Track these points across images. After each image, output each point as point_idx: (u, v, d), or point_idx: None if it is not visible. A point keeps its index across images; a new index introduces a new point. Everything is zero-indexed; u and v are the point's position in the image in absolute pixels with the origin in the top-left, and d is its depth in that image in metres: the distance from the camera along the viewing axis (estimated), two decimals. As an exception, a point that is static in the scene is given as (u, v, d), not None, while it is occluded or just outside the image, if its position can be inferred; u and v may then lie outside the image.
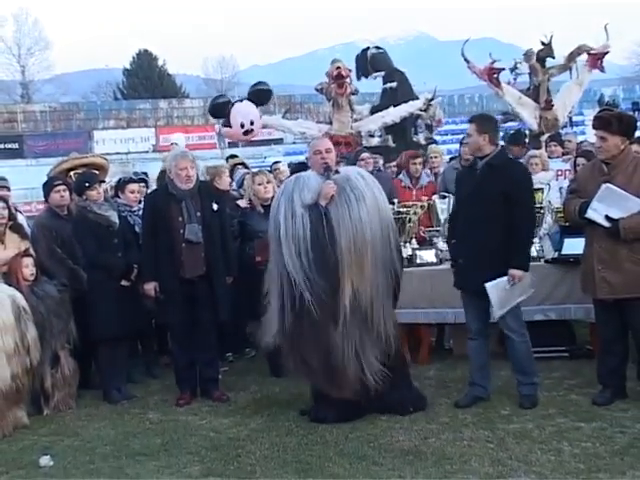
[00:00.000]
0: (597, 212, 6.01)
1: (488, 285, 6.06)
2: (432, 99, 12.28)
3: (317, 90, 11.72)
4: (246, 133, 11.05)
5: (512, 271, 6.10)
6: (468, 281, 6.26)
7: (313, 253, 5.84)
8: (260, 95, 11.02)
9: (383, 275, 6.04)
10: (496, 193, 6.09)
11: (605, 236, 6.05)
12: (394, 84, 12.75)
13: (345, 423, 6.03)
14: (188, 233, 6.87)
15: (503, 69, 11.89)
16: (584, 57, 12.00)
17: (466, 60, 11.93)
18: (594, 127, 6.19)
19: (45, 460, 5.66)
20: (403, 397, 6.23)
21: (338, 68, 11.31)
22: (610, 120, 6.11)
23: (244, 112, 10.93)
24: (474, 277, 6.14)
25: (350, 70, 11.63)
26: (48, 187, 7.89)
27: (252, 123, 10.91)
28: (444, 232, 8.26)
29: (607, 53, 11.80)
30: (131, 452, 5.83)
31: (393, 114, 11.78)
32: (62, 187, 7.72)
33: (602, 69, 12.14)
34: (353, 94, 11.41)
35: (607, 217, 5.98)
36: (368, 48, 13.55)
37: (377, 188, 6.17)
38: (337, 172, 6.23)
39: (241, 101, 11.23)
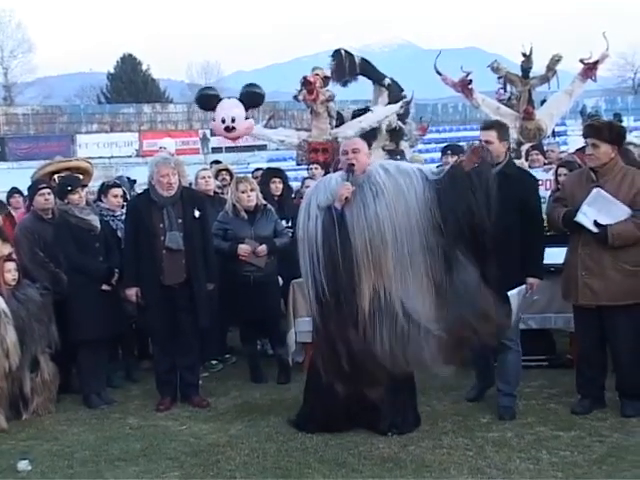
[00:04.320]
0: (586, 216, 6.03)
1: (511, 294, 6.05)
2: (409, 102, 12.27)
3: (294, 98, 11.71)
4: (227, 130, 10.97)
5: (531, 280, 6.20)
6: None
7: (323, 256, 5.67)
8: (251, 98, 10.97)
9: (415, 270, 5.63)
10: (513, 202, 6.04)
11: (591, 242, 6.08)
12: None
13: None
14: (168, 241, 6.87)
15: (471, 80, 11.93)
16: (578, 67, 12.05)
17: (438, 73, 11.99)
18: (585, 135, 6.21)
19: (23, 465, 5.61)
20: (396, 418, 6.05)
21: (316, 75, 11.31)
22: (601, 128, 6.20)
23: (227, 109, 10.89)
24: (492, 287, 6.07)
25: (329, 77, 11.58)
26: (33, 190, 7.87)
27: (233, 121, 10.83)
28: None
29: (598, 62, 11.85)
30: (110, 457, 5.81)
31: (371, 119, 11.79)
32: (47, 190, 7.69)
33: (595, 79, 12.21)
34: (329, 100, 11.38)
35: (595, 223, 6.02)
36: (342, 52, 13.14)
37: (405, 175, 5.76)
38: (364, 171, 5.93)
39: (229, 98, 11.19)
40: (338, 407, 5.95)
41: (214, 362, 8.33)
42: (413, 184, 5.70)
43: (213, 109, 11.09)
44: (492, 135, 6.23)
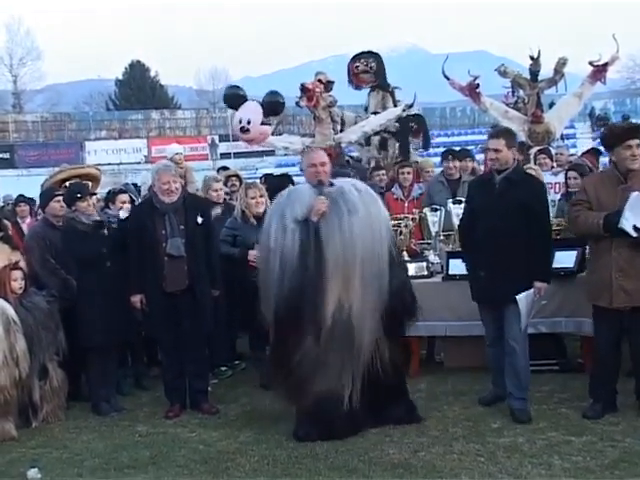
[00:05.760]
0: (628, 221, 5.97)
1: (519, 297, 6.15)
2: (411, 105, 12.11)
3: (296, 104, 11.67)
4: (242, 130, 10.99)
5: (538, 284, 6.23)
6: (490, 293, 6.32)
7: (299, 270, 5.87)
8: (272, 107, 11.00)
9: (372, 291, 5.98)
10: (516, 207, 6.16)
11: (624, 244, 6.03)
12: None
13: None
14: (170, 247, 6.87)
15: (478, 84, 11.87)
16: (587, 69, 11.98)
17: (446, 77, 11.94)
18: (634, 137, 6.09)
19: (33, 473, 5.61)
20: (399, 413, 6.24)
21: (318, 80, 11.25)
22: None
23: (246, 110, 10.93)
24: (496, 289, 6.21)
25: (332, 82, 11.50)
26: (47, 196, 7.91)
27: (249, 123, 10.85)
28: (435, 245, 8.28)
29: (607, 64, 11.79)
30: (120, 465, 5.80)
31: (373, 123, 11.70)
32: (62, 197, 7.72)
33: (604, 81, 12.16)
34: (330, 106, 11.31)
35: (635, 227, 5.96)
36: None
37: (372, 202, 6.14)
38: (331, 184, 6.22)
39: (253, 101, 11.20)
40: (340, 412, 6.01)
41: (223, 368, 8.32)
42: (379, 218, 6.12)
43: (237, 108, 11.11)
44: (501, 143, 6.31)
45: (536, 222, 6.20)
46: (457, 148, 11.16)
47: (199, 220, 7.03)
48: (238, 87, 11.77)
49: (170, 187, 6.93)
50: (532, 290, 6.20)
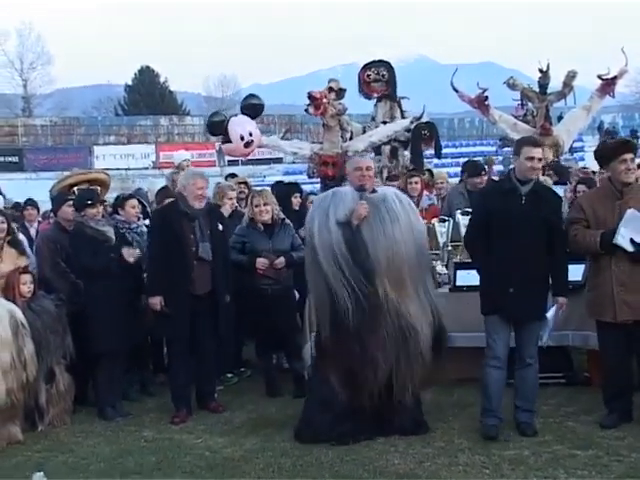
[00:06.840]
0: (624, 238, 6.03)
1: (549, 314, 6.14)
2: (420, 118, 12.04)
3: (306, 111, 11.68)
4: (247, 145, 10.91)
5: (562, 299, 6.21)
6: (516, 310, 6.09)
7: (352, 262, 5.99)
8: (253, 109, 10.97)
9: (424, 298, 6.17)
10: (542, 221, 6.09)
11: (624, 258, 6.08)
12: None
13: (341, 445, 6.01)
14: (201, 251, 7.03)
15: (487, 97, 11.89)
16: (596, 83, 12.01)
17: (455, 89, 11.96)
18: (627, 151, 6.21)
19: (38, 477, 5.57)
20: (406, 424, 6.27)
21: (330, 88, 11.25)
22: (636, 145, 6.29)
23: (241, 124, 10.84)
24: (525, 306, 6.06)
25: (344, 89, 11.49)
26: (60, 201, 7.97)
27: (251, 134, 10.81)
28: (443, 256, 8.27)
29: (616, 78, 11.81)
30: (125, 470, 5.81)
31: (381, 133, 11.71)
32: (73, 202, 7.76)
33: (613, 95, 12.18)
34: (339, 114, 11.31)
35: (631, 241, 6.01)
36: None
37: (412, 211, 6.31)
38: (374, 191, 6.34)
39: (236, 115, 11.16)
40: (340, 416, 6.11)
41: (229, 375, 8.32)
42: (419, 229, 6.32)
43: (223, 133, 10.99)
44: (541, 153, 6.31)
45: (558, 236, 6.16)
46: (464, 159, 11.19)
47: (220, 227, 7.24)
48: (217, 113, 11.83)
49: (204, 192, 7.11)
50: (556, 306, 6.19)
